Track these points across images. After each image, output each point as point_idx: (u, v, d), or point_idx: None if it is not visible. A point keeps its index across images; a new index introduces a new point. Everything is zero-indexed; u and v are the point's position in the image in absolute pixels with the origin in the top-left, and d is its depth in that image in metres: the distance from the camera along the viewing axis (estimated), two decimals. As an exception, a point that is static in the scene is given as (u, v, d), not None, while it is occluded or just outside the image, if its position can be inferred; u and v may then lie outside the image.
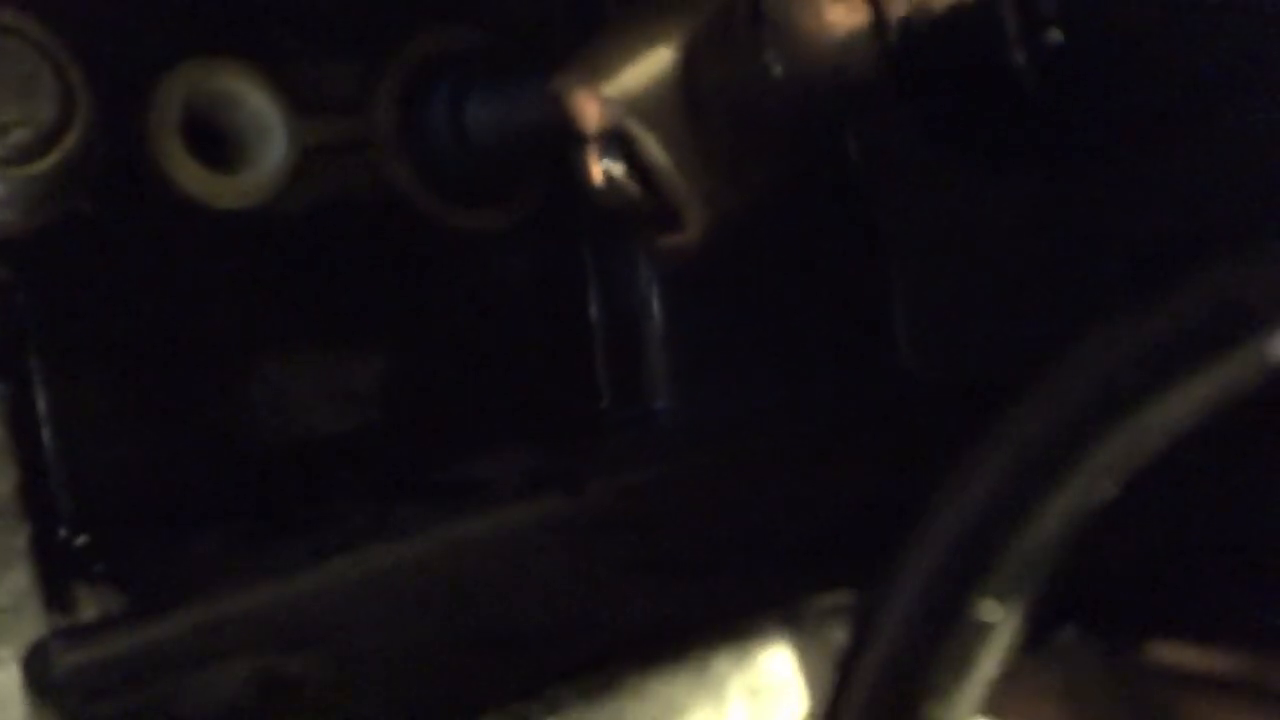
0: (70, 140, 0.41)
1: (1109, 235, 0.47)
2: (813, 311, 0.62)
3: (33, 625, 0.43)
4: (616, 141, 0.36)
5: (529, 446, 0.57)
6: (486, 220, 0.58)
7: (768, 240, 0.54)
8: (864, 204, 0.61)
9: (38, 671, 0.40)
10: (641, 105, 0.35)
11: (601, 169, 0.37)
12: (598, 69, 0.36)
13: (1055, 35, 0.29)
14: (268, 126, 0.50)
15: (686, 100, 0.36)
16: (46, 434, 0.45)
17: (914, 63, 0.32)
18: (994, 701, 0.23)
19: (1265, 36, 0.31)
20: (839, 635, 0.37)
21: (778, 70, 0.36)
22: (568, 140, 0.38)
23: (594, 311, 0.63)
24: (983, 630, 0.22)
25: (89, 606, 0.43)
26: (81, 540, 0.45)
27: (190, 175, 0.48)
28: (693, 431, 0.58)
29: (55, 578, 0.43)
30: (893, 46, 0.32)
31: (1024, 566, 0.21)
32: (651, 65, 0.35)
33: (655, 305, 0.63)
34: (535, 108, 0.51)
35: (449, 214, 0.57)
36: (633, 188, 0.37)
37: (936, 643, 0.22)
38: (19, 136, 0.40)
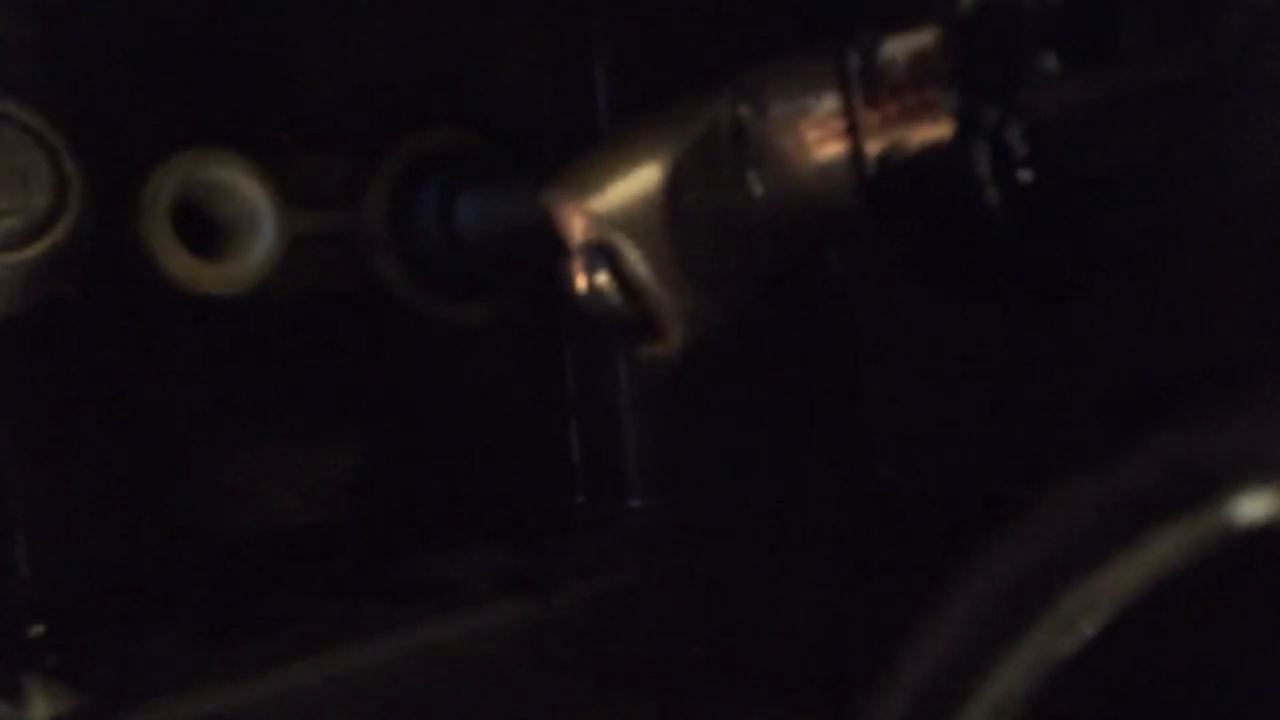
0: (61, 228, 0.41)
1: (1082, 358, 0.48)
2: (792, 415, 0.62)
3: (-20, 718, 0.41)
4: (601, 253, 0.37)
5: (500, 543, 0.56)
6: (469, 315, 0.59)
7: (749, 343, 0.54)
8: (845, 312, 0.62)
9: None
10: (625, 220, 0.36)
11: (586, 278, 0.38)
12: (585, 183, 0.37)
13: (1026, 175, 0.30)
14: (258, 216, 0.51)
15: (670, 216, 0.37)
16: (13, 521, 0.44)
17: (889, 195, 0.33)
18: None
19: (1235, 176, 0.32)
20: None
21: (759, 190, 0.37)
22: (555, 248, 0.39)
23: (572, 407, 0.63)
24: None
25: (38, 701, 0.42)
26: (36, 631, 0.44)
27: (177, 261, 0.49)
28: (668, 533, 0.57)
29: (6, 670, 0.42)
30: (869, 178, 0.33)
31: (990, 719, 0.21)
32: (637, 182, 0.36)
33: (633, 403, 0.63)
34: (523, 209, 0.53)
35: (432, 307, 0.57)
36: (615, 298, 0.37)
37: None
38: (10, 225, 0.40)
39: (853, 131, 0.33)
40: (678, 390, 0.62)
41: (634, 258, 0.36)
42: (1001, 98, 0.30)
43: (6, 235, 0.40)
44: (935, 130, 0.31)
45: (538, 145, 0.60)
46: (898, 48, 0.32)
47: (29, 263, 0.41)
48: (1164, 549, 0.21)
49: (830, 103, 0.33)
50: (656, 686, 0.38)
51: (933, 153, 0.31)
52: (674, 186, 0.36)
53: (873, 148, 0.33)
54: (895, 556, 0.52)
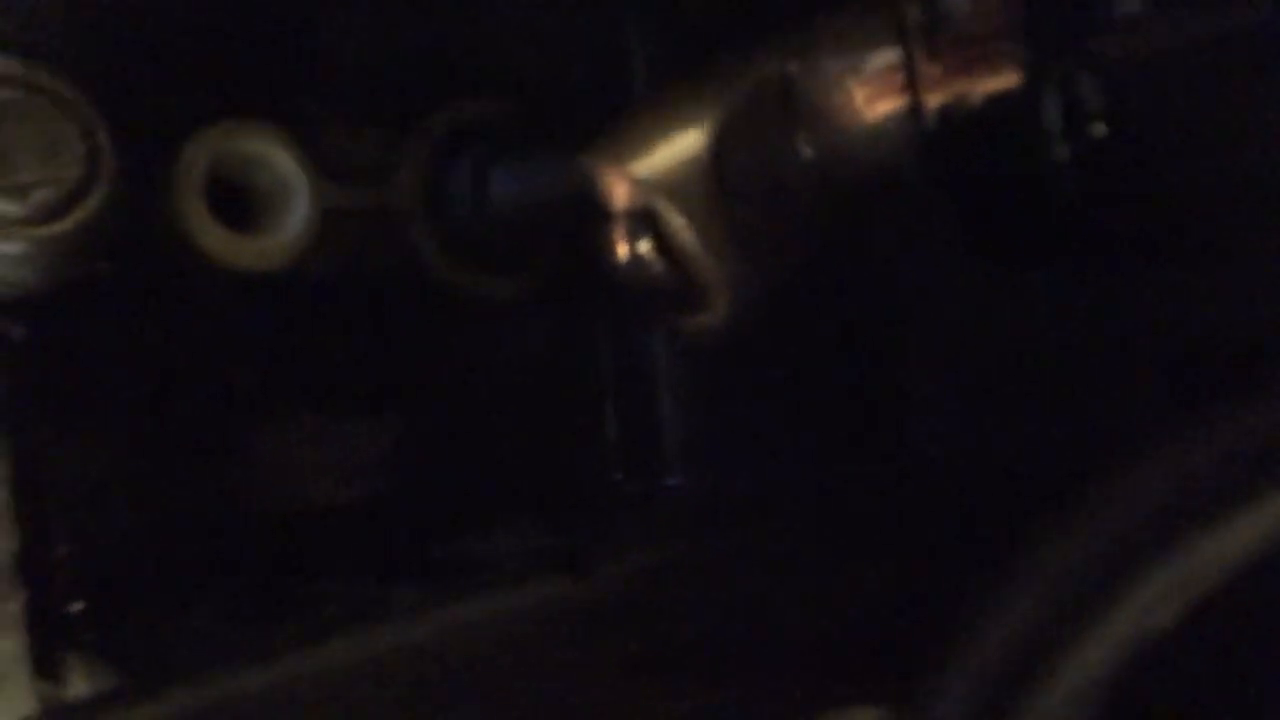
0: (93, 201, 0.41)
1: (1139, 330, 0.46)
2: (831, 392, 0.61)
3: (19, 695, 0.41)
4: (644, 220, 0.35)
5: (536, 522, 0.55)
6: (504, 289, 0.58)
7: (786, 317, 0.53)
8: (885, 284, 0.60)
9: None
10: (670, 185, 0.35)
11: (627, 246, 0.36)
12: (627, 147, 0.35)
13: (1100, 130, 0.28)
14: (292, 190, 0.50)
15: (715, 180, 0.35)
16: (50, 497, 0.44)
17: (948, 152, 0.31)
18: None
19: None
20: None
21: (808, 153, 0.35)
22: (594, 216, 0.38)
23: (608, 384, 0.62)
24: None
25: (77, 678, 0.41)
26: (75, 607, 0.43)
27: (212, 236, 0.48)
28: (706, 511, 0.56)
29: (45, 647, 0.42)
30: (927, 135, 0.32)
31: (1069, 700, 0.20)
32: (682, 145, 0.35)
33: (670, 379, 0.62)
34: (558, 180, 0.51)
35: (467, 282, 0.56)
36: (658, 266, 0.36)
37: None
38: (42, 196, 0.40)
39: (912, 86, 0.31)
40: (715, 367, 0.61)
41: (678, 224, 0.35)
42: (1075, 45, 0.28)
43: (38, 208, 0.40)
44: (1000, 82, 0.30)
45: (573, 115, 0.59)
46: (961, -5, 0.30)
47: (61, 236, 0.40)
48: (1246, 530, 0.20)
49: (888, 56, 0.32)
50: (697, 668, 0.37)
51: (997, 106, 0.30)
52: (719, 149, 0.35)
53: (933, 102, 0.31)
54: (937, 536, 0.51)
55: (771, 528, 0.51)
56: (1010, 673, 0.20)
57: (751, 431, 0.60)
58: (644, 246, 0.36)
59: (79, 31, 0.45)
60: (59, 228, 0.40)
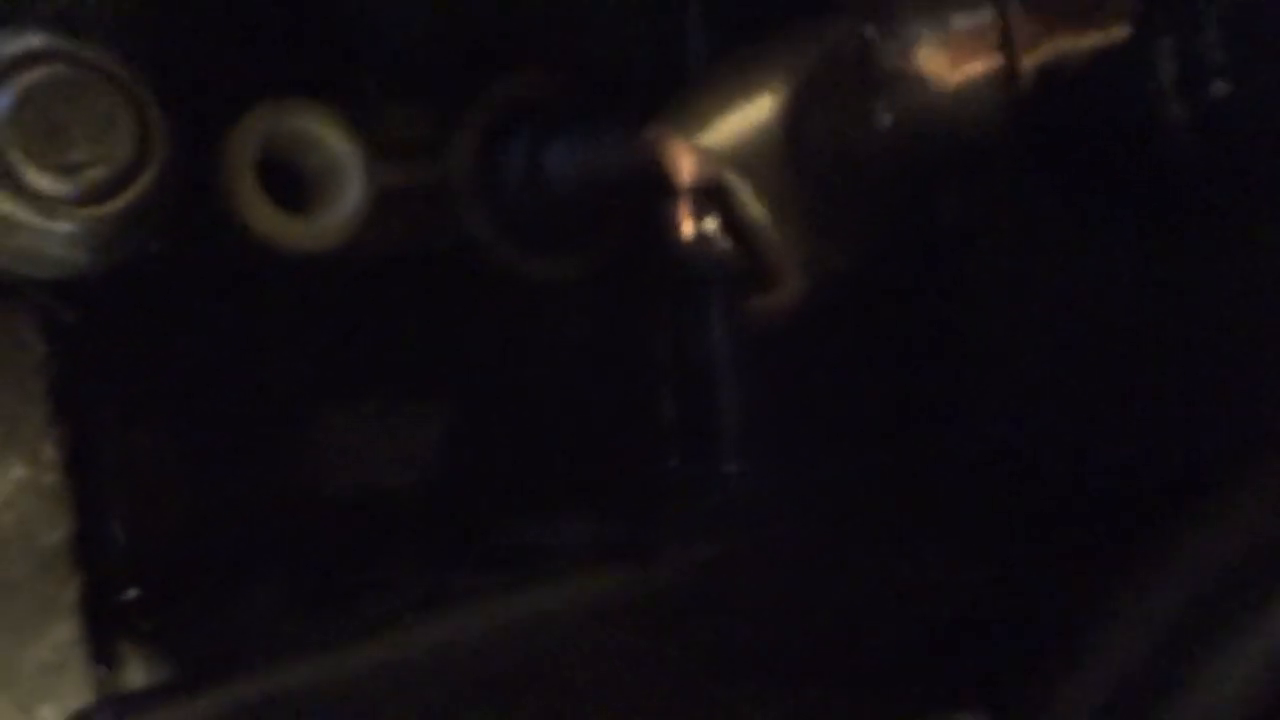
0: (145, 180, 0.40)
1: (1225, 319, 0.43)
2: (899, 375, 0.58)
3: (77, 682, 0.41)
4: (711, 195, 0.33)
5: (593, 508, 0.54)
6: (560, 269, 0.56)
7: (852, 296, 0.51)
8: (957, 262, 0.58)
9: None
10: (739, 156, 0.33)
11: (693, 223, 0.34)
12: (694, 117, 0.33)
13: (1221, 88, 0.26)
14: (344, 168, 0.49)
15: (787, 152, 0.33)
16: (105, 482, 0.43)
17: (1046, 117, 0.29)
18: None
19: None
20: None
21: (886, 120, 0.33)
22: (657, 192, 0.36)
23: (665, 366, 0.60)
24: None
25: (134, 666, 0.41)
26: (132, 594, 0.43)
27: (263, 216, 0.47)
28: (768, 501, 0.54)
29: (102, 633, 0.41)
30: (1023, 96, 0.29)
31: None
32: (751, 114, 0.33)
33: (730, 361, 0.60)
34: (615, 155, 0.50)
35: (522, 262, 0.55)
36: (726, 244, 0.34)
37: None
38: (93, 176, 0.39)
39: (1007, 45, 0.29)
40: (776, 347, 0.59)
41: (748, 198, 0.33)
42: (1195, -2, 0.26)
43: (90, 188, 0.39)
44: (1106, 37, 0.27)
45: (630, 88, 0.57)
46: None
47: (112, 217, 0.39)
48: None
49: (980, 14, 0.29)
50: (769, 669, 0.36)
51: (1102, 64, 0.27)
52: (792, 119, 0.33)
53: (1030, 62, 0.29)
54: (1015, 530, 0.49)
55: (839, 518, 0.49)
56: (1141, 685, 0.18)
57: (812, 416, 0.58)
58: (711, 223, 0.34)
59: (129, 7, 0.44)
60: (110, 208, 0.40)
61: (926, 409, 0.58)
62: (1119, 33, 0.27)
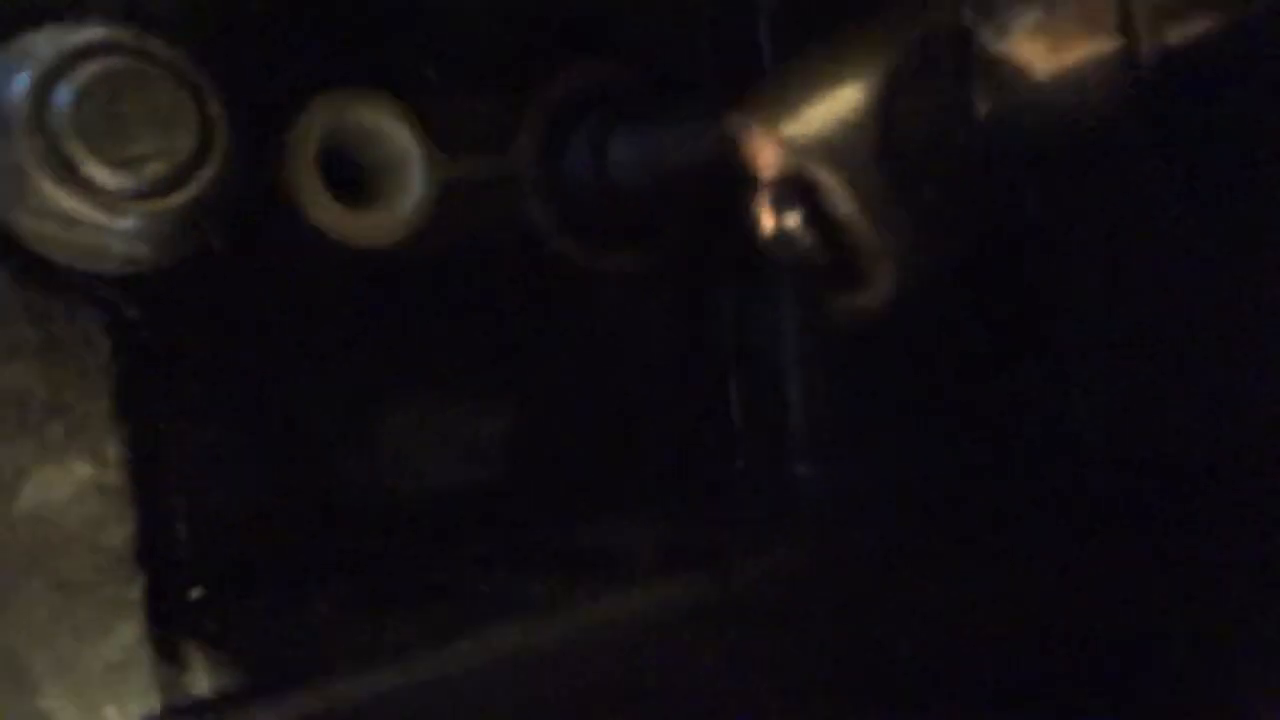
0: (207, 174, 0.39)
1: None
2: (978, 373, 0.56)
3: (141, 683, 0.40)
4: (796, 188, 0.32)
5: (660, 510, 0.53)
6: (625, 263, 0.55)
7: (930, 290, 0.49)
8: (1041, 257, 0.55)
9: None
10: (827, 148, 0.31)
11: (775, 218, 0.33)
12: (779, 107, 0.32)
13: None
14: (407, 162, 0.48)
15: (879, 143, 0.31)
16: (169, 480, 0.43)
17: (1172, 100, 0.27)
18: None
19: None
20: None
21: (984, 108, 0.31)
22: (735, 184, 0.34)
23: (732, 364, 0.59)
24: None
25: (199, 666, 0.40)
26: (196, 594, 0.42)
27: (326, 211, 0.46)
28: (840, 505, 0.52)
29: (166, 633, 0.41)
30: (1146, 80, 0.27)
31: None
32: (841, 104, 0.31)
33: (798, 359, 0.58)
34: (681, 147, 0.48)
35: (587, 256, 0.54)
36: (811, 240, 0.32)
37: None
38: (155, 169, 0.38)
39: (1126, 24, 0.26)
40: (847, 343, 0.57)
41: (837, 192, 0.31)
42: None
43: (151, 181, 0.38)
44: (1241, 10, 0.25)
45: (697, 79, 0.55)
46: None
47: (174, 211, 0.38)
48: None
49: (1097, -8, 0.27)
50: (860, 690, 0.34)
51: (1238, 43, 0.25)
52: (884, 109, 0.31)
53: (1153, 42, 0.26)
54: (1103, 539, 0.46)
55: (918, 525, 0.47)
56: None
57: (888, 416, 0.56)
58: (793, 218, 0.32)
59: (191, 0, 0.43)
60: (172, 202, 0.39)
61: (1005, 408, 0.56)
62: (1250, 6, 0.24)
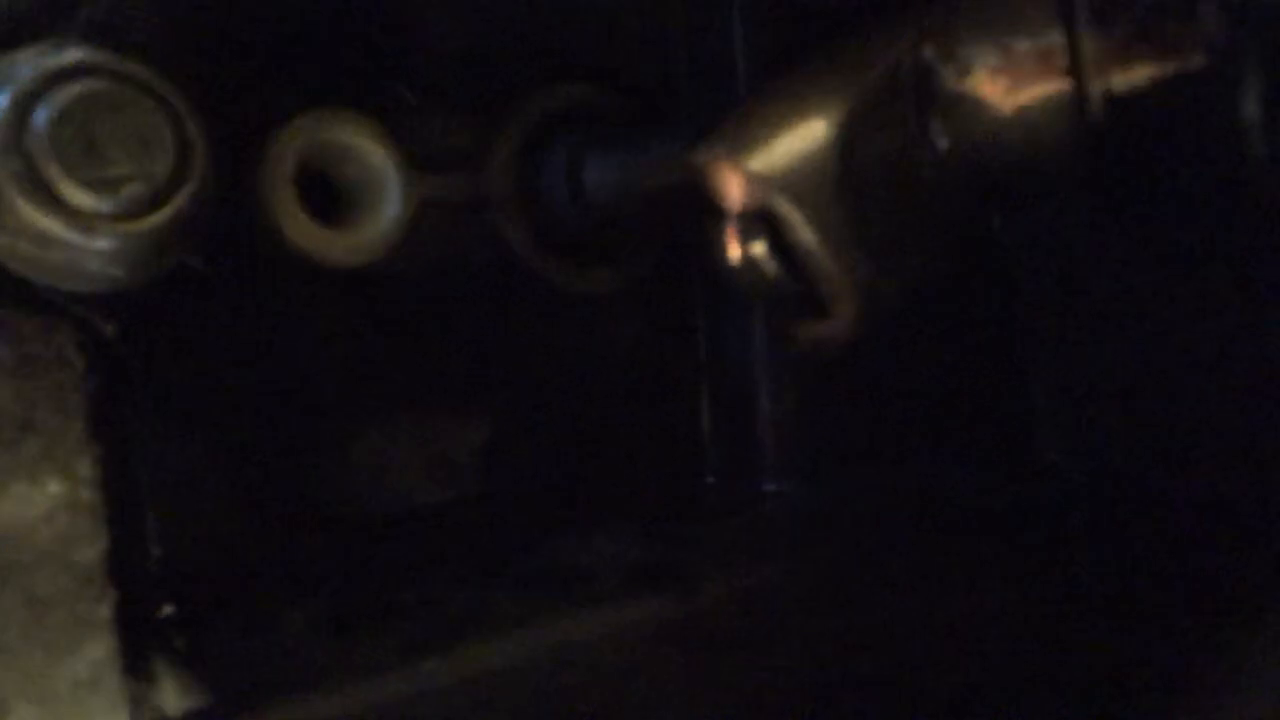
0: (184, 195, 0.39)
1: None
2: (945, 392, 0.57)
3: (109, 701, 0.41)
4: (760, 220, 0.32)
5: (630, 527, 0.53)
6: (598, 282, 0.56)
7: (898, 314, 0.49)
8: (1007, 281, 0.56)
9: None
10: (790, 181, 0.32)
11: (740, 248, 0.33)
12: (744, 140, 0.32)
13: (1313, 123, 0.24)
14: (383, 181, 0.49)
15: (841, 176, 0.32)
16: (141, 498, 0.43)
17: (1118, 145, 0.28)
18: None
19: None
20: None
21: (944, 143, 0.32)
22: (701, 212, 0.35)
23: (703, 382, 0.59)
24: None
25: (168, 685, 0.41)
26: (166, 611, 0.42)
27: (302, 230, 0.47)
28: (809, 522, 0.53)
29: (136, 651, 0.41)
30: (1093, 124, 0.28)
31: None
32: (803, 137, 0.32)
33: (769, 378, 0.59)
34: (658, 170, 0.49)
35: (560, 275, 0.54)
36: (774, 270, 0.33)
37: None
38: (133, 191, 0.38)
39: (1075, 69, 0.27)
40: (818, 364, 0.58)
41: (799, 224, 0.32)
42: (1284, 24, 0.24)
43: (129, 202, 0.38)
44: (1185, 64, 0.26)
45: (671, 101, 0.56)
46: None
47: (151, 231, 0.39)
48: None
49: (1047, 37, 0.28)
50: (827, 708, 0.34)
51: (1180, 92, 0.26)
52: (845, 142, 0.32)
53: (1100, 87, 0.27)
54: (1065, 553, 0.47)
55: (885, 541, 0.48)
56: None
57: (857, 434, 0.57)
58: (758, 248, 0.33)
59: (168, 20, 0.43)
60: (150, 222, 0.39)
61: (971, 425, 0.57)
62: (1200, 61, 0.25)
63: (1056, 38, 0.28)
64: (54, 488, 0.41)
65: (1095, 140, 0.28)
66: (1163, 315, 0.47)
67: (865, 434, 0.58)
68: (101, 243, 0.39)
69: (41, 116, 0.37)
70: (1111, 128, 0.28)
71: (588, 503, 0.55)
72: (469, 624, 0.40)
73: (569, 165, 0.52)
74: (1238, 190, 0.26)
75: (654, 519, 0.54)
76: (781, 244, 0.33)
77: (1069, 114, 0.28)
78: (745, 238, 0.33)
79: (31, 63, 0.38)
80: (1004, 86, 0.30)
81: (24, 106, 0.38)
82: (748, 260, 0.34)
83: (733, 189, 0.32)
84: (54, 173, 0.37)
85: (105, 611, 0.41)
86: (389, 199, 0.49)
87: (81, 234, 0.38)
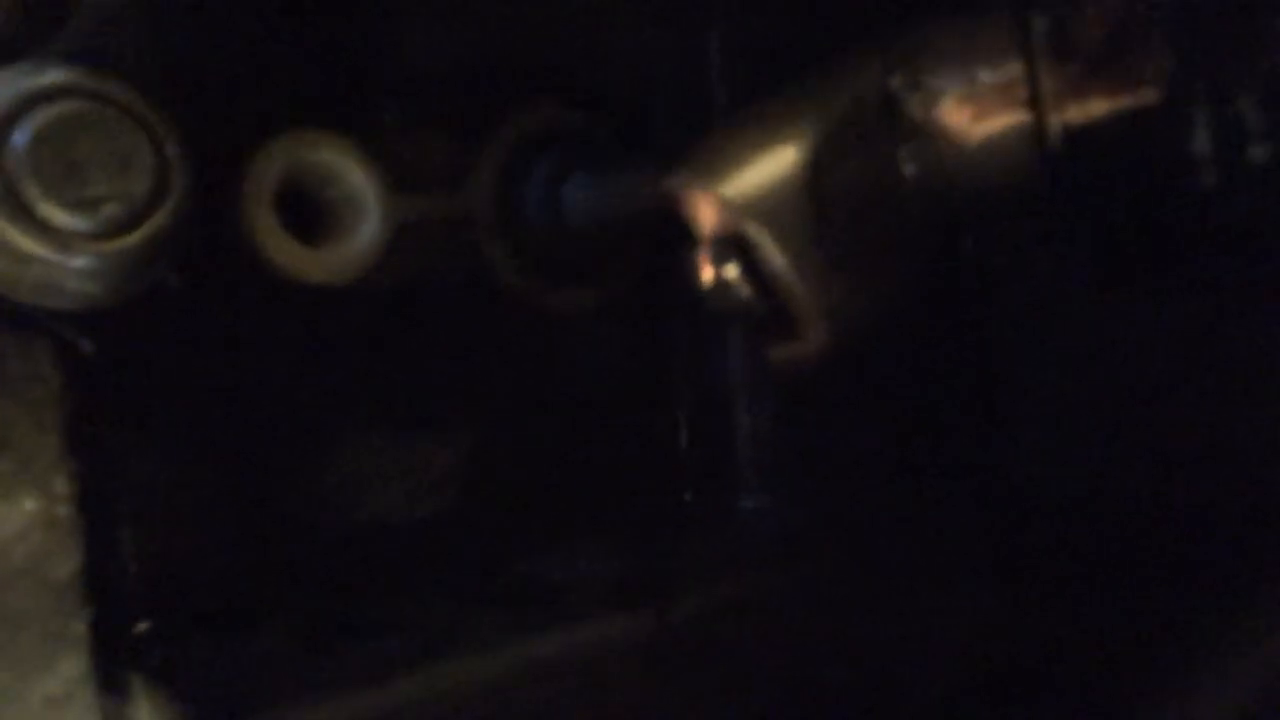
0: (162, 215, 0.40)
1: (1260, 366, 0.42)
2: (920, 411, 0.58)
3: (84, 717, 0.40)
4: (734, 244, 0.33)
5: (606, 544, 0.54)
6: (577, 301, 0.56)
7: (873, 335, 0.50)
8: (981, 302, 0.57)
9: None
10: (762, 208, 0.33)
11: (714, 271, 0.34)
12: (717, 167, 0.33)
13: (1259, 153, 0.25)
14: (363, 201, 0.49)
15: (811, 202, 0.33)
16: (118, 513, 0.43)
17: (1075, 174, 0.29)
18: None
19: None
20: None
21: (910, 170, 0.33)
22: (678, 236, 0.36)
23: (681, 400, 0.60)
24: None
25: (141, 701, 0.41)
26: (142, 627, 0.42)
27: (282, 249, 0.47)
28: (785, 539, 0.54)
29: (110, 667, 0.41)
30: (1051, 155, 0.29)
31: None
32: (774, 165, 0.33)
33: (745, 395, 0.60)
34: (636, 192, 0.49)
35: (539, 293, 0.55)
36: (747, 292, 0.34)
37: None
38: (111, 210, 0.39)
39: (1035, 102, 0.28)
40: (795, 383, 0.59)
41: (770, 248, 0.33)
42: (1231, 61, 0.25)
43: (107, 222, 0.39)
44: (1138, 99, 0.27)
45: (648, 123, 0.57)
46: (1096, 7, 0.27)
47: (129, 250, 0.39)
48: None
49: (1008, 70, 0.29)
50: (796, 716, 0.35)
51: (1133, 125, 0.27)
52: (815, 169, 0.33)
53: (1058, 120, 0.28)
54: (1038, 569, 0.48)
55: (860, 557, 0.48)
56: None
57: (833, 451, 0.58)
58: (732, 271, 0.34)
59: (148, 42, 0.44)
60: (128, 242, 0.40)
61: (948, 443, 0.58)
62: (1153, 96, 0.26)
63: (1017, 70, 0.29)
64: (29, 504, 0.41)
65: (1055, 169, 0.29)
66: (1131, 333, 0.48)
67: (841, 451, 0.58)
68: (80, 261, 0.39)
69: (21, 137, 0.38)
70: (1069, 157, 0.29)
71: (565, 519, 0.55)
72: (445, 640, 0.40)
73: (548, 186, 0.53)
74: (1190, 217, 0.27)
75: (631, 535, 0.54)
76: (754, 267, 0.33)
77: (1030, 144, 0.29)
78: (719, 260, 0.34)
79: (12, 84, 0.38)
80: (968, 116, 0.31)
81: (4, 127, 0.38)
82: (721, 282, 0.34)
83: (706, 214, 0.33)
84: (34, 192, 0.38)
85: (80, 628, 0.41)
86: (369, 219, 0.49)
87: (60, 253, 0.38)
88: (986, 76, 0.30)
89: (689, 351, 0.60)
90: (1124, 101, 0.27)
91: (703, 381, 0.60)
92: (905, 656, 0.40)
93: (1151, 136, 0.27)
